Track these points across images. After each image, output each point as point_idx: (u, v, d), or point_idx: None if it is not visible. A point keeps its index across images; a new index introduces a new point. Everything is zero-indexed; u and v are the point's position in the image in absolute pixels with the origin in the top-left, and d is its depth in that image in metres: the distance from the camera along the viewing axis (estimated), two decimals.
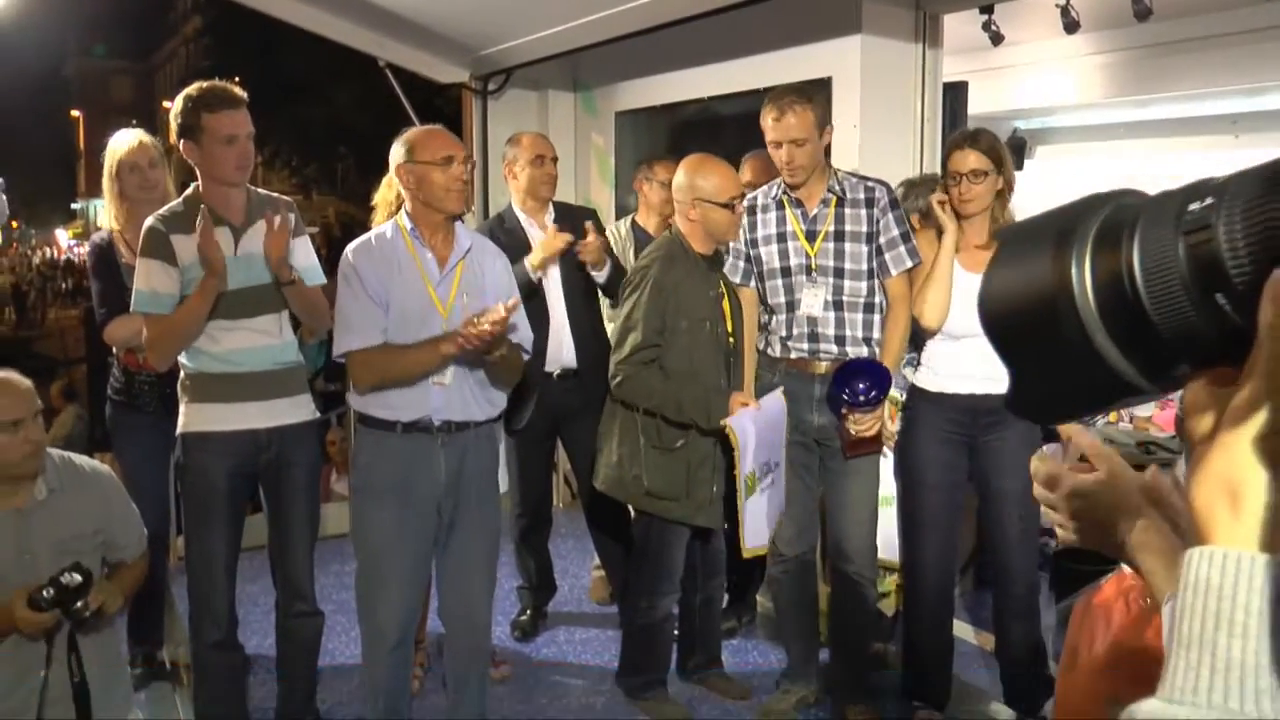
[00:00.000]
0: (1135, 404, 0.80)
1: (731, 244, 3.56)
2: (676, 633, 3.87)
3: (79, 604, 2.55)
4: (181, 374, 3.22)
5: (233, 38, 24.31)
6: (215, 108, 3.07)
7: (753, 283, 3.60)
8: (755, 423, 3.34)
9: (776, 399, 3.47)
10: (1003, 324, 0.82)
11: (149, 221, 3.16)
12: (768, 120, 3.39)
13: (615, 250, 4.25)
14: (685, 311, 3.43)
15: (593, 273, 4.01)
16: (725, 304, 3.52)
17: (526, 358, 3.22)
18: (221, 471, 3.17)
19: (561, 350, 4.05)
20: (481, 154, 5.76)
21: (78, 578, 2.54)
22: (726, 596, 4.39)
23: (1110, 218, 0.74)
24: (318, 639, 3.43)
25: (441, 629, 3.28)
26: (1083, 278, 0.73)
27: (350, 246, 3.08)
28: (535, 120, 5.76)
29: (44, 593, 2.52)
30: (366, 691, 3.16)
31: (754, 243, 3.55)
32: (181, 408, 3.22)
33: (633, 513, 3.71)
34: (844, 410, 3.36)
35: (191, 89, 3.15)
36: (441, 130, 3.12)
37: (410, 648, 3.18)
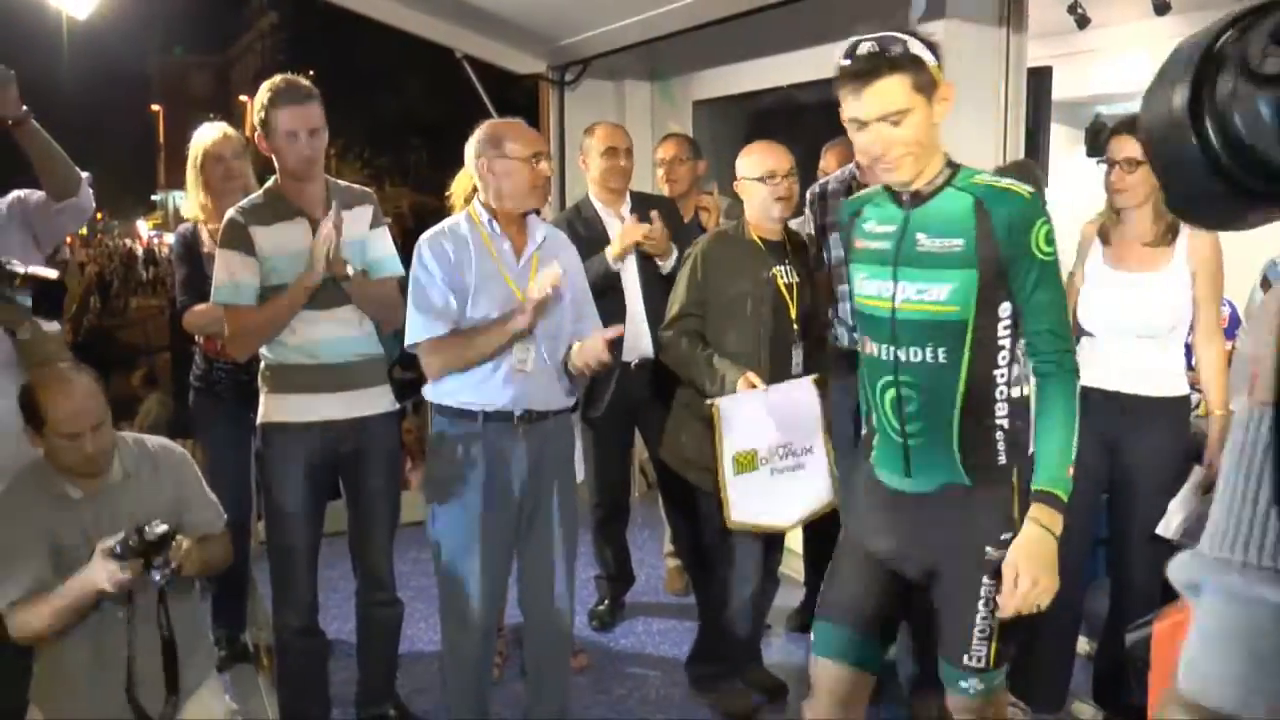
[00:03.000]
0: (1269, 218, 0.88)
1: (806, 229, 3.51)
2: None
3: (161, 556, 2.56)
4: (262, 364, 3.25)
5: (307, 32, 24.69)
6: (281, 103, 3.09)
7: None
8: (758, 404, 3.33)
9: (803, 384, 3.44)
10: (1151, 137, 0.94)
11: (229, 213, 3.19)
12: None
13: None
14: (724, 287, 3.43)
15: (658, 262, 3.98)
16: (788, 291, 3.47)
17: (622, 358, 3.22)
18: (300, 462, 3.21)
19: (639, 340, 4.04)
20: (559, 145, 5.76)
21: (161, 528, 2.56)
22: (805, 590, 4.36)
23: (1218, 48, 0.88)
24: (397, 627, 3.46)
25: (521, 618, 3.28)
26: (1199, 98, 0.86)
27: (424, 236, 3.07)
28: (612, 110, 5.74)
29: (128, 541, 2.52)
30: (446, 679, 3.17)
31: (823, 229, 3.50)
32: (262, 398, 3.25)
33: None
34: None
35: (266, 84, 3.18)
36: (522, 125, 3.10)
37: (491, 636, 3.18)
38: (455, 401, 3.04)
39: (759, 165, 3.42)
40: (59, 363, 2.81)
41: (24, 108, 3.16)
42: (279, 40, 33.09)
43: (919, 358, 2.29)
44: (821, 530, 3.78)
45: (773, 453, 3.39)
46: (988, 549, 2.30)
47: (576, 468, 3.32)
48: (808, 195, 3.49)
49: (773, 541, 3.70)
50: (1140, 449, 3.28)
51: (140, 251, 26.30)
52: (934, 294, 2.26)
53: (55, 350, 2.99)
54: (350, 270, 3.10)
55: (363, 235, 3.22)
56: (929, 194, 2.29)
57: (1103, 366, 3.26)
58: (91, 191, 3.49)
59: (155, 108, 54.58)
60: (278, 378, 3.21)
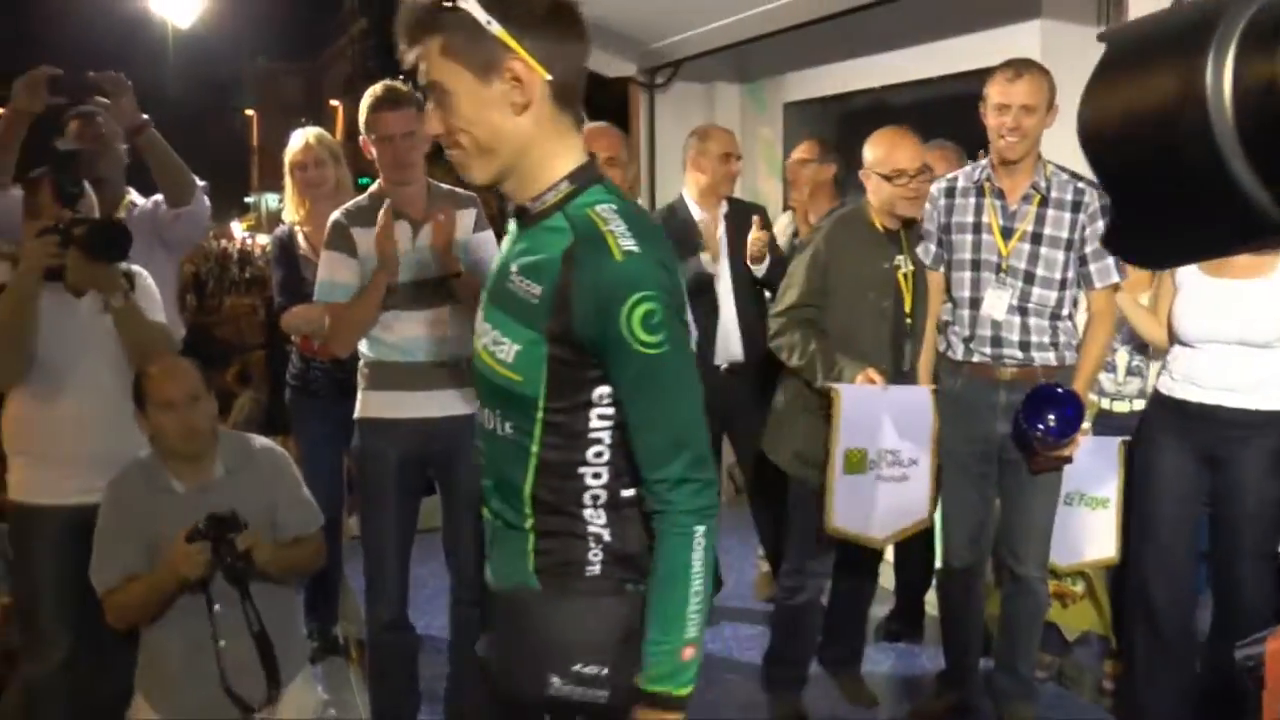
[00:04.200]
0: (1262, 247, 0.66)
1: (925, 224, 3.44)
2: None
3: (229, 537, 2.60)
4: (360, 361, 3.31)
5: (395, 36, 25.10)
6: (378, 108, 3.18)
7: (941, 269, 3.47)
8: (876, 402, 3.25)
9: (920, 393, 3.36)
10: (1108, 143, 0.65)
11: (334, 215, 3.26)
12: (999, 83, 3.22)
13: (780, 244, 4.21)
14: (844, 277, 3.36)
15: (752, 267, 3.96)
16: (905, 282, 3.40)
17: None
18: (394, 458, 3.24)
19: (729, 344, 4.02)
20: (649, 148, 5.77)
21: (229, 509, 2.62)
22: (895, 598, 4.31)
23: (1268, 11, 0.57)
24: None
25: None
26: (1220, 85, 0.56)
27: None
28: (701, 113, 5.74)
29: (198, 525, 2.59)
30: None
31: (947, 228, 3.41)
32: (359, 394, 3.31)
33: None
34: (1035, 443, 3.21)
35: (369, 89, 3.26)
36: (607, 130, 3.11)
37: None
38: None
39: (886, 163, 3.33)
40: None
41: (144, 116, 3.25)
42: (369, 46, 33.65)
43: (490, 424, 1.76)
44: (914, 536, 3.74)
45: (881, 457, 3.30)
46: (552, 679, 1.71)
47: None
48: (930, 191, 3.41)
49: (867, 549, 3.63)
50: (1245, 464, 3.17)
51: (234, 252, 26.96)
52: (502, 350, 1.69)
53: (161, 338, 3.07)
54: (461, 267, 3.16)
55: (465, 238, 3.27)
56: (536, 213, 1.70)
57: (1200, 379, 3.16)
58: (207, 201, 3.59)
59: (249, 112, 55.92)
60: (375, 374, 3.26)
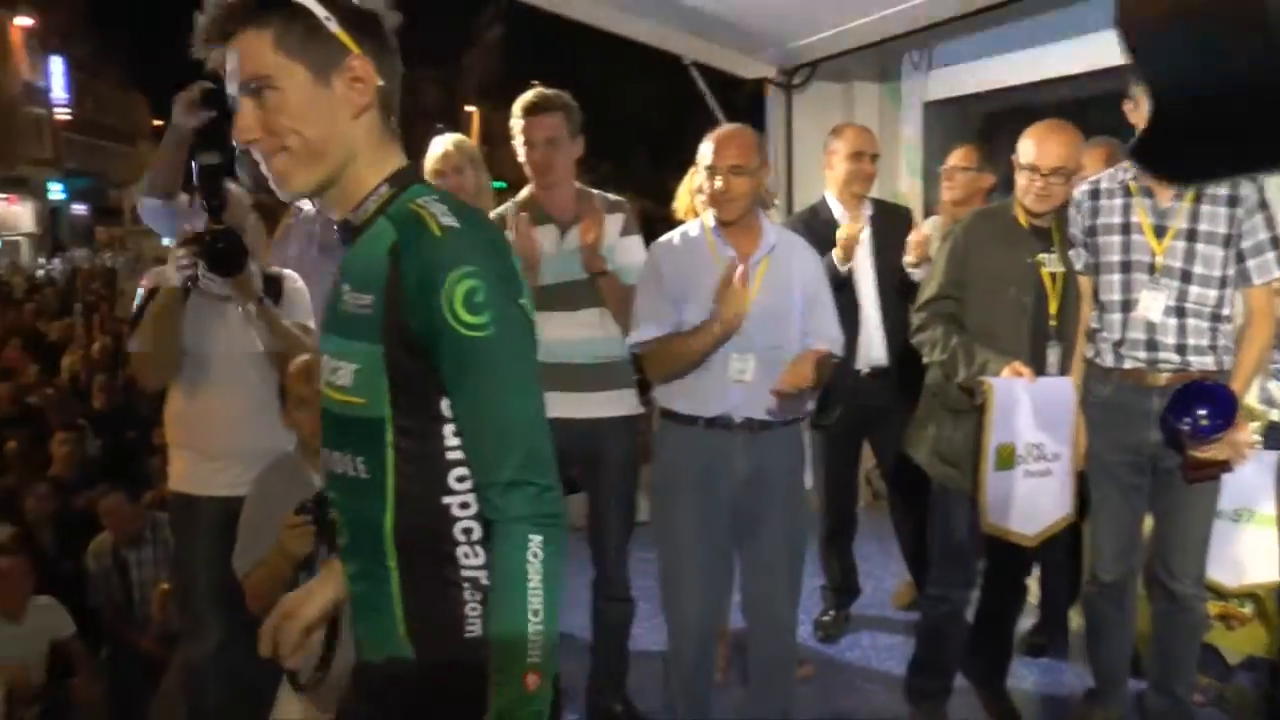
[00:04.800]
0: None
1: (1070, 229, 3.33)
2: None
3: (330, 514, 2.66)
4: None
5: (531, 42, 25.47)
6: (522, 114, 3.28)
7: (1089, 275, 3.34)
8: (1028, 396, 3.14)
9: (1062, 384, 3.25)
10: (1150, 34, 0.57)
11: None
12: None
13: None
14: (982, 270, 3.28)
15: (910, 271, 3.88)
16: (1050, 281, 3.29)
17: (835, 361, 3.14)
18: None
19: (871, 347, 3.97)
20: (785, 149, 5.72)
21: (329, 495, 2.68)
22: (1039, 612, 4.18)
23: None
24: (628, 624, 3.52)
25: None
26: None
27: (655, 242, 3.16)
28: (840, 113, 5.66)
29: (304, 503, 2.64)
30: (670, 680, 3.20)
31: (1092, 230, 3.29)
32: None
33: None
34: (1184, 439, 3.08)
35: (521, 96, 3.35)
36: (739, 133, 3.10)
37: (709, 640, 3.19)
38: (677, 406, 3.08)
39: (1024, 154, 3.25)
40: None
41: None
42: (505, 52, 34.25)
43: (340, 468, 1.60)
44: (1057, 546, 3.63)
45: (1028, 452, 3.21)
46: None
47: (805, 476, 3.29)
48: (1075, 194, 3.30)
49: (1014, 557, 3.53)
50: None
51: None
52: (342, 376, 1.56)
53: (297, 340, 3.17)
54: (608, 266, 3.20)
55: (613, 242, 3.32)
56: (359, 225, 1.60)
57: None
58: None
59: None
60: None
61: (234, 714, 3.17)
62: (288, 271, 3.33)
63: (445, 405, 1.50)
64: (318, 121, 1.52)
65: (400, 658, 1.57)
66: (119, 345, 9.99)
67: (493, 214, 3.38)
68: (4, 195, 37.04)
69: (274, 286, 3.26)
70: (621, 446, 3.40)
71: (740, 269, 2.89)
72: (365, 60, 1.54)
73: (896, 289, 3.97)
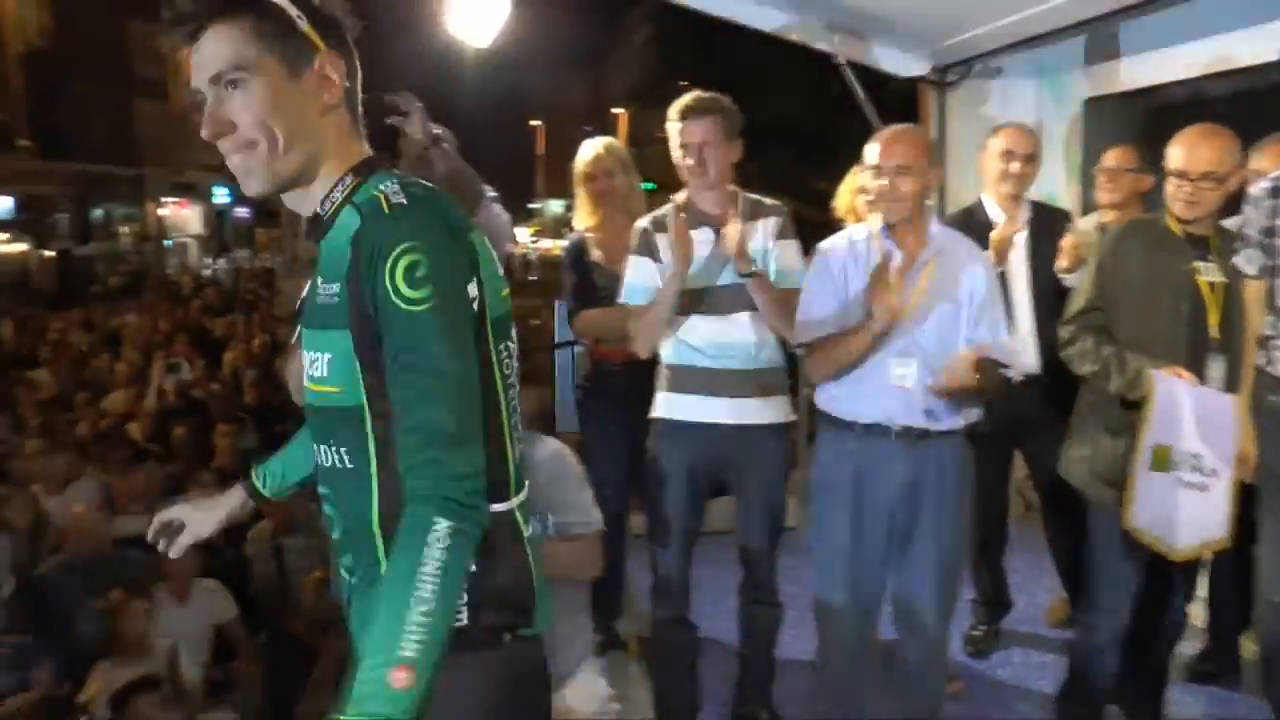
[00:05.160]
0: None
1: (1245, 229, 3.14)
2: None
3: None
4: (661, 363, 3.38)
5: (682, 44, 25.55)
6: (677, 117, 3.27)
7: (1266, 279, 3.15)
8: (1190, 400, 2.99)
9: (1225, 399, 3.07)
10: None
11: (640, 222, 3.39)
12: None
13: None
14: (1133, 281, 3.14)
15: (1062, 277, 3.74)
16: (1210, 291, 3.11)
17: (1003, 370, 3.00)
18: (684, 460, 3.31)
19: (1025, 354, 3.82)
20: (940, 148, 5.57)
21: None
22: (1206, 637, 3.97)
23: None
24: (775, 630, 3.48)
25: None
26: None
27: (822, 244, 3.13)
28: (995, 111, 5.48)
29: None
30: (819, 688, 3.15)
31: (1271, 231, 3.10)
32: (657, 394, 3.39)
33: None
34: None
35: (679, 99, 3.33)
36: (906, 132, 3.03)
37: (864, 649, 3.12)
38: (835, 410, 3.04)
39: (1172, 160, 3.11)
40: None
41: (435, 131, 3.44)
42: (653, 53, 34.45)
43: (328, 461, 1.62)
44: (1227, 568, 3.44)
45: (1184, 459, 3.05)
46: None
47: None
48: (1252, 192, 3.11)
49: (1163, 574, 3.35)
50: None
51: (519, 257, 28.38)
52: (318, 367, 1.58)
53: None
54: (756, 268, 3.17)
55: (767, 246, 3.30)
56: (328, 219, 1.59)
57: None
58: (497, 209, 3.73)
59: (535, 122, 58.52)
60: (673, 376, 3.34)
61: None
62: None
63: None
64: (288, 117, 1.52)
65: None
66: (276, 342, 10.41)
67: (651, 215, 3.38)
68: (175, 199, 39.17)
69: None
70: (771, 452, 3.36)
71: (897, 262, 2.83)
72: (334, 58, 1.56)
73: (1051, 294, 3.82)
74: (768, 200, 3.42)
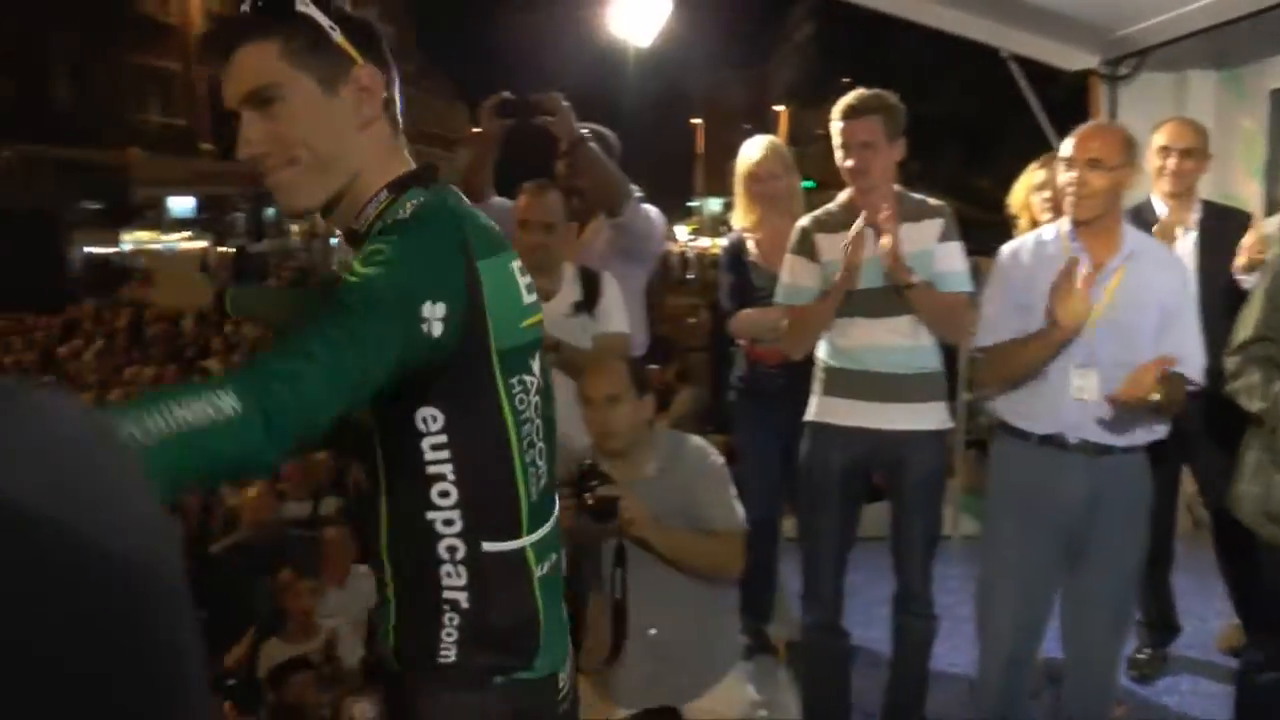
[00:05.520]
0: None
1: None
2: None
3: (591, 485, 2.67)
4: (816, 365, 3.35)
5: (844, 40, 25.24)
6: (839, 117, 3.20)
7: None
8: None
9: None
10: None
11: (801, 221, 3.35)
12: None
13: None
14: None
15: (1240, 278, 3.53)
16: None
17: (1192, 387, 2.85)
18: (837, 464, 3.26)
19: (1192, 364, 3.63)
20: None
21: (588, 461, 2.71)
22: None
23: None
24: (929, 642, 3.40)
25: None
26: None
27: (1005, 245, 3.05)
28: (1171, 105, 5.22)
29: (569, 475, 2.66)
30: (976, 705, 3.06)
31: None
32: (812, 397, 3.35)
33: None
34: None
35: (842, 98, 3.28)
36: (1104, 129, 2.91)
37: (1025, 666, 3.03)
38: (1011, 419, 2.96)
39: None
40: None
41: (583, 131, 3.48)
42: (815, 50, 34.11)
43: (358, 477, 1.63)
44: None
45: None
46: None
47: None
48: None
49: None
50: None
51: (676, 254, 28.47)
52: None
53: (605, 343, 3.25)
54: (915, 278, 3.11)
55: (930, 248, 3.21)
56: (363, 234, 1.54)
57: None
58: (645, 209, 3.75)
59: (695, 120, 58.62)
60: (828, 379, 3.30)
61: None
62: (606, 273, 3.42)
63: (421, 417, 1.47)
64: (327, 133, 1.49)
65: (392, 671, 1.60)
66: None
67: (812, 215, 3.35)
68: None
69: (592, 286, 3.36)
70: (928, 459, 3.28)
71: (1084, 269, 2.71)
72: (371, 70, 1.52)
73: (1223, 302, 3.61)
74: (931, 200, 3.34)
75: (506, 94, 3.49)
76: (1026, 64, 5.47)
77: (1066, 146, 2.84)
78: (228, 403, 1.16)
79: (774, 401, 3.88)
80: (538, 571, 1.57)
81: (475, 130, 3.63)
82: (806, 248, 3.28)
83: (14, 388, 0.47)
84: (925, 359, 3.25)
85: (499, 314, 1.47)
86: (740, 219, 4.10)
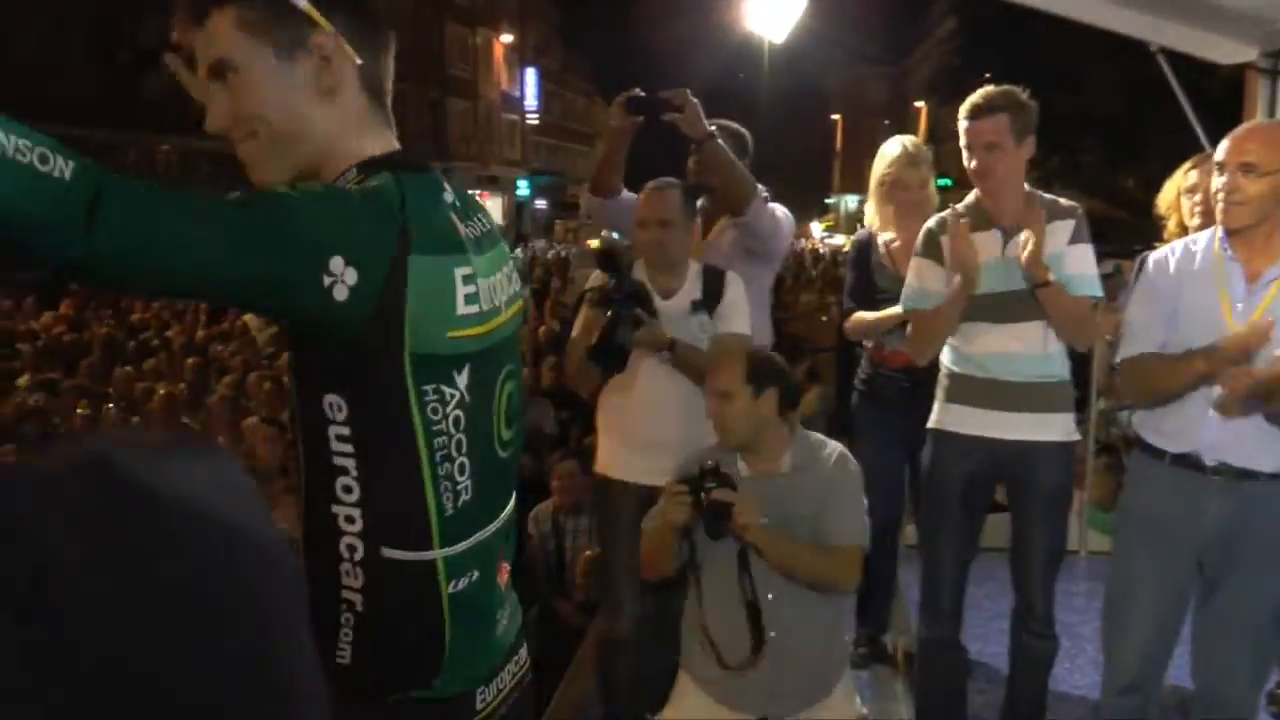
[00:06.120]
0: None
1: None
2: None
3: (709, 486, 2.62)
4: (941, 371, 3.25)
5: (987, 34, 24.62)
6: (964, 116, 3.09)
7: None
8: None
9: None
10: None
11: (928, 223, 3.25)
12: None
13: None
14: None
15: None
16: None
17: None
18: (959, 473, 3.15)
19: None
20: None
21: (709, 462, 2.66)
22: None
23: None
24: (1048, 662, 3.24)
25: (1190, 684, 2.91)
26: None
27: (1155, 252, 2.90)
28: None
29: (690, 473, 2.64)
30: None
31: None
32: (936, 404, 3.25)
33: None
34: None
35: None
36: (1264, 129, 2.72)
37: (1151, 695, 2.86)
38: (1147, 435, 2.82)
39: None
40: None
41: (711, 129, 3.43)
42: (956, 45, 33.39)
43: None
44: None
45: None
46: None
47: None
48: None
49: None
50: None
51: (810, 251, 28.18)
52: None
53: (723, 343, 3.20)
54: (1051, 277, 2.99)
55: (1060, 250, 3.07)
56: None
57: None
58: (771, 208, 3.67)
59: (834, 116, 58.06)
60: (952, 386, 3.20)
61: (640, 694, 3.29)
62: (730, 273, 3.37)
63: (327, 402, 1.38)
64: (281, 105, 1.42)
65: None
66: (562, 328, 10.81)
67: (938, 216, 3.24)
68: (479, 191, 41.86)
69: (715, 285, 3.32)
70: (1052, 472, 3.13)
71: (1270, 329, 2.51)
72: (335, 37, 1.42)
73: None
74: (1063, 201, 3.20)
75: (636, 91, 3.48)
76: (1177, 58, 5.20)
77: (1220, 149, 2.65)
78: (64, 166, 1.07)
79: (897, 406, 3.78)
80: (449, 587, 1.45)
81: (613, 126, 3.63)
82: (933, 250, 3.17)
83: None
84: (1053, 368, 3.11)
85: (420, 315, 1.36)
86: (871, 216, 4.00)
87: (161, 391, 6.85)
